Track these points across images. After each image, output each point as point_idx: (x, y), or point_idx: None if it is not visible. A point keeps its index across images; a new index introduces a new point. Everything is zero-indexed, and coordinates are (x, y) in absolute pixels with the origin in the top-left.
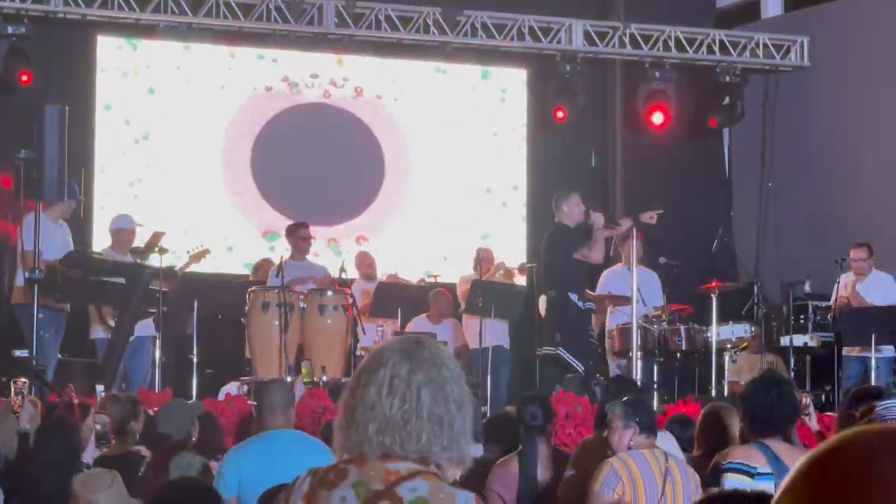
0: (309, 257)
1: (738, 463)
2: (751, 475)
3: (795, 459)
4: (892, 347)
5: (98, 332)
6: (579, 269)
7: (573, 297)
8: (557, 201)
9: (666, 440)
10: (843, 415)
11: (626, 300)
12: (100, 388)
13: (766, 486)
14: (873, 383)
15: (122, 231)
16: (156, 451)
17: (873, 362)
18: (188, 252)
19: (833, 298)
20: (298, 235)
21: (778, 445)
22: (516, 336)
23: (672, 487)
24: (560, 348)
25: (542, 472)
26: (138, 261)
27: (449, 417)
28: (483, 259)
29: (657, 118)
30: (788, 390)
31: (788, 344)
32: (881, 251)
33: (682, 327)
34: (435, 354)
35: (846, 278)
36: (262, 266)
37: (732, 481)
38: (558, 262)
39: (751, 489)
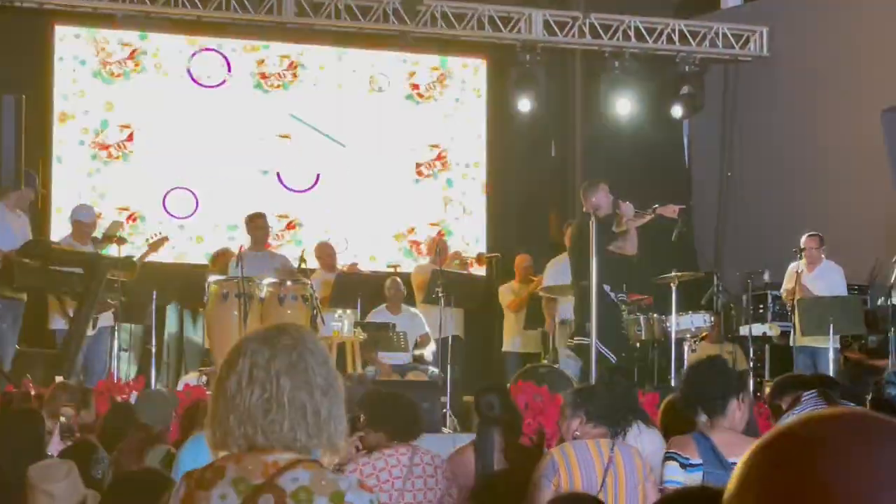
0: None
1: (673, 452)
2: (683, 465)
3: (737, 450)
4: (837, 337)
5: (58, 323)
6: (612, 261)
7: (606, 288)
8: (585, 192)
9: (653, 437)
10: (771, 405)
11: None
12: (59, 378)
13: (695, 477)
14: (830, 373)
15: (81, 223)
16: (133, 439)
17: (831, 353)
18: (147, 240)
19: (783, 287)
20: (255, 225)
21: (721, 436)
22: (476, 326)
23: (614, 479)
24: (596, 340)
25: (498, 463)
26: (97, 250)
27: (313, 404)
28: (440, 249)
29: (617, 108)
30: (721, 370)
31: (748, 333)
32: (839, 240)
33: (641, 317)
34: (297, 339)
35: (796, 267)
36: (221, 256)
37: (669, 469)
38: (590, 253)
39: (684, 481)
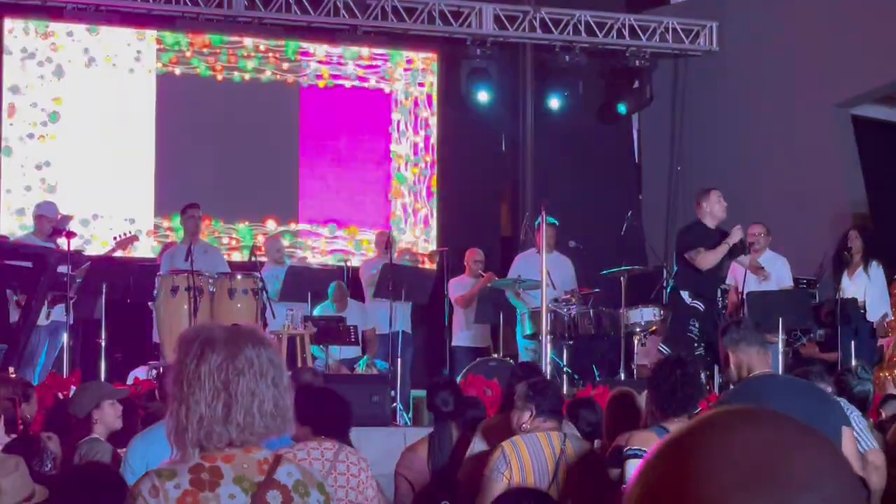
0: (209, 240)
1: (636, 449)
2: None
3: None
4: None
5: (15, 316)
6: (698, 269)
7: (684, 294)
8: (696, 198)
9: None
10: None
11: (535, 284)
12: (11, 371)
13: None
14: (779, 368)
15: (44, 218)
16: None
17: (780, 346)
18: (115, 238)
19: (730, 281)
20: (187, 216)
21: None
22: (425, 320)
23: (565, 472)
24: (661, 344)
25: (452, 459)
26: (47, 245)
27: (275, 397)
28: (388, 243)
29: (566, 102)
30: (692, 371)
31: None
32: (787, 234)
33: (591, 311)
34: (254, 337)
35: (744, 259)
36: (170, 249)
37: (634, 467)
38: (676, 258)
39: None
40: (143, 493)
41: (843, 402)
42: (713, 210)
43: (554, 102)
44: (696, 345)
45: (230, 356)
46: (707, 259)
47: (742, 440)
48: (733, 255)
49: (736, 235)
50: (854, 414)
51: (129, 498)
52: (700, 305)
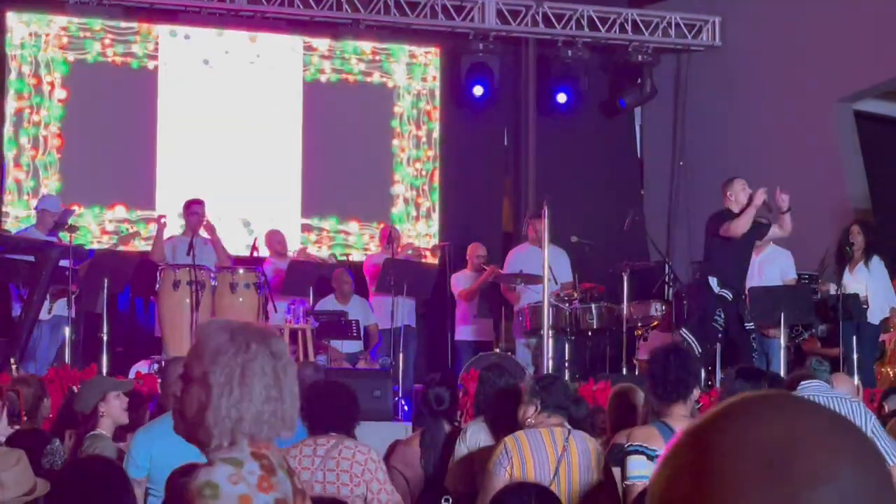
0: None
1: (637, 445)
2: (650, 457)
3: None
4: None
5: (18, 310)
6: (726, 255)
7: (713, 281)
8: (722, 188)
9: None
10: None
11: (537, 279)
12: (13, 365)
13: None
14: (781, 363)
15: (47, 212)
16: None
17: (782, 341)
18: (117, 233)
19: None
20: (189, 211)
21: (680, 424)
22: (428, 315)
23: (567, 468)
24: (684, 329)
25: (446, 456)
26: (49, 239)
27: (297, 393)
28: (392, 238)
29: (569, 97)
30: (686, 356)
31: None
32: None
33: (593, 306)
34: (278, 336)
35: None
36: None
37: (635, 463)
38: (707, 246)
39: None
40: (221, 482)
41: (860, 404)
42: (738, 198)
43: (556, 97)
44: (719, 335)
45: (276, 353)
46: (739, 224)
47: (760, 430)
48: (760, 232)
49: (759, 198)
50: (872, 420)
51: (206, 488)
52: (728, 294)
